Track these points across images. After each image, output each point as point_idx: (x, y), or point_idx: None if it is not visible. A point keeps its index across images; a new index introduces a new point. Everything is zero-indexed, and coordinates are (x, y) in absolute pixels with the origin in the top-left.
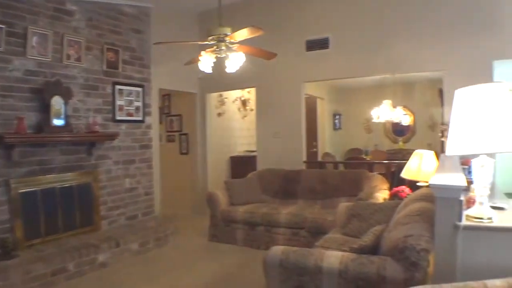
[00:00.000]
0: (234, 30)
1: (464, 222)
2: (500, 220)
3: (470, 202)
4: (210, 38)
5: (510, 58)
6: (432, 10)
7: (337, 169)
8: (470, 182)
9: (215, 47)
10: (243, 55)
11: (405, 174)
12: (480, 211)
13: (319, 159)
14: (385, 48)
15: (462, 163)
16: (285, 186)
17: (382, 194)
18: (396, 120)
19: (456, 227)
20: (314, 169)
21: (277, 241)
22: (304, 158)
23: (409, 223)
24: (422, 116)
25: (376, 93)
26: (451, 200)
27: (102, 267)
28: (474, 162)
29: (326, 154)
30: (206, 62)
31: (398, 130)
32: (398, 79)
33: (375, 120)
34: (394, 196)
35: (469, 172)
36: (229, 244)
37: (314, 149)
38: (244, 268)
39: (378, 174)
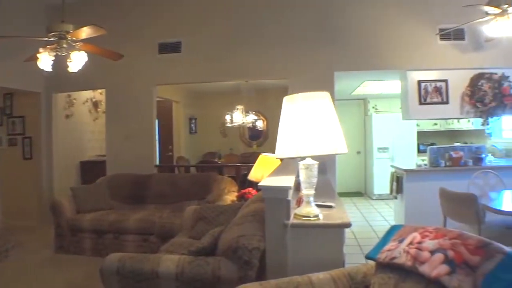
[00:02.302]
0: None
1: (292, 220)
2: (326, 217)
3: (301, 202)
4: (50, 34)
5: (348, 70)
6: (281, 22)
7: (189, 173)
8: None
9: (56, 44)
10: (85, 54)
11: (251, 176)
12: (307, 210)
13: (175, 163)
14: (236, 55)
15: None
16: (135, 191)
17: (230, 196)
18: (248, 125)
19: (285, 226)
20: (165, 173)
21: (127, 248)
22: (156, 162)
23: (243, 223)
24: (274, 121)
25: (232, 98)
26: (279, 200)
27: None
28: (299, 165)
29: (180, 158)
30: (44, 59)
31: (253, 134)
32: (252, 85)
33: (228, 124)
34: (241, 198)
35: None
36: (76, 254)
37: (170, 153)
38: (90, 279)
39: (228, 177)
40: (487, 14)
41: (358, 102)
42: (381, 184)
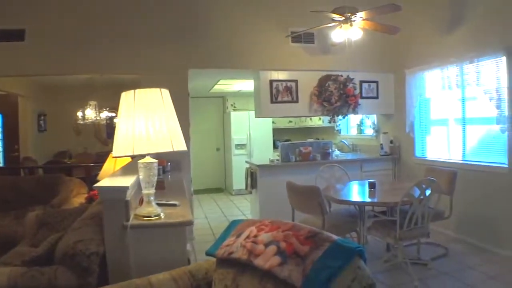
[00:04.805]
0: None
1: (132, 221)
2: (168, 216)
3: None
4: None
5: (204, 68)
6: (136, 16)
7: (35, 175)
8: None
9: None
10: None
11: (101, 176)
12: (148, 210)
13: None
14: (88, 47)
15: (159, 163)
16: None
17: (79, 199)
18: (103, 122)
19: (125, 227)
20: (7, 176)
21: None
22: None
23: (81, 227)
24: None
25: (86, 93)
26: (116, 201)
27: None
28: (138, 163)
29: (26, 159)
30: None
31: (111, 132)
32: (108, 80)
33: (80, 121)
34: (90, 200)
35: (164, 172)
36: None
37: (16, 153)
38: None
39: (78, 178)
40: (333, 20)
41: (217, 100)
42: (240, 179)
